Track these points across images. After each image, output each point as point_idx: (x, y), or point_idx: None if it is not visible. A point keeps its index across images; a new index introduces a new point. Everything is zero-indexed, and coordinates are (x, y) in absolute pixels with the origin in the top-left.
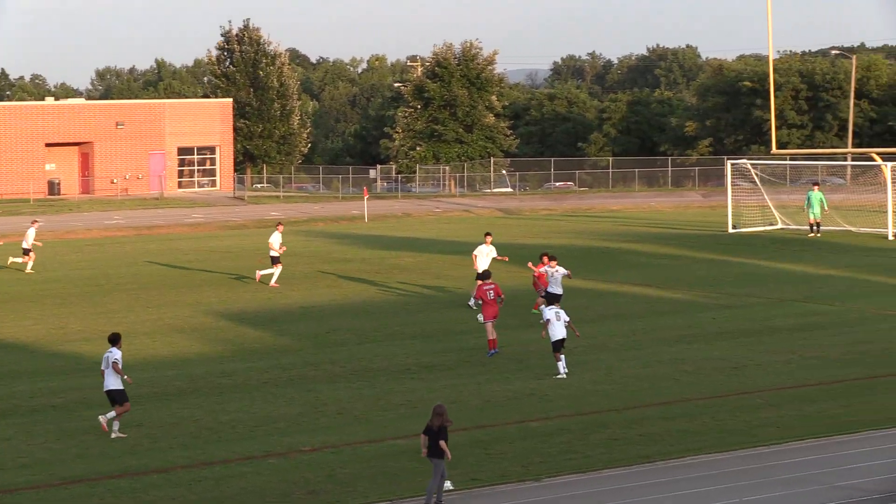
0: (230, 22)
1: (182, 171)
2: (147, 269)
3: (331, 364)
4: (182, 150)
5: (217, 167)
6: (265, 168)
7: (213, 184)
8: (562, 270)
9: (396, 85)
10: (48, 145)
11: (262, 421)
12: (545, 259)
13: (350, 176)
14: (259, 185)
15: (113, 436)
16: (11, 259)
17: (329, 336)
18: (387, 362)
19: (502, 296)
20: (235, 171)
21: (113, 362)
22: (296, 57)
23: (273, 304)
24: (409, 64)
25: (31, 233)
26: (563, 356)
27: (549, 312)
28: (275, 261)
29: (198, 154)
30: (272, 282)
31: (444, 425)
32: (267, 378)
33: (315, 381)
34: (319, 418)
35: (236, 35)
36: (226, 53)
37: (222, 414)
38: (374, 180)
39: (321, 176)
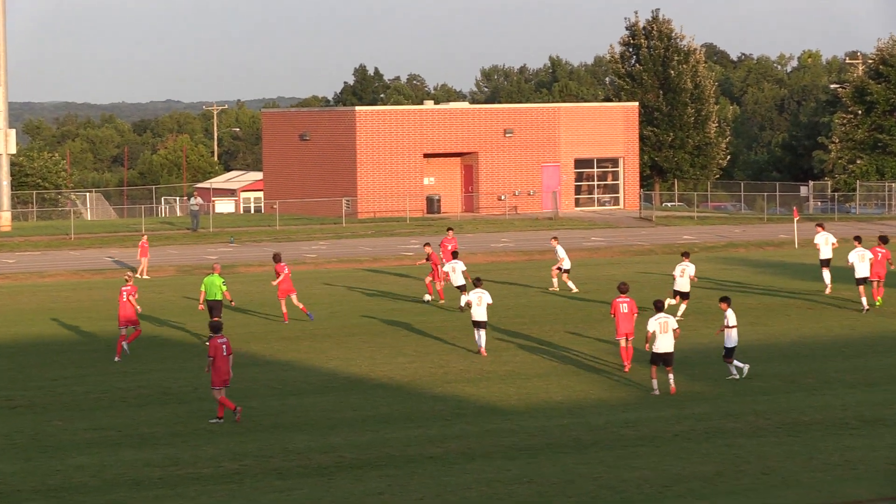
0: (636, 13)
1: (580, 186)
2: (537, 300)
3: (754, 415)
4: (580, 163)
5: (620, 182)
6: (676, 184)
7: (616, 201)
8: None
9: (833, 86)
10: (427, 156)
11: (673, 480)
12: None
13: (777, 194)
14: (669, 204)
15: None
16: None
17: (751, 382)
18: (821, 414)
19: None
20: (642, 187)
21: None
22: (713, 53)
23: (683, 343)
24: (847, 62)
25: (561, 250)
26: (671, 374)
27: (654, 323)
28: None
29: (598, 167)
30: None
31: None
32: (678, 430)
33: (735, 434)
34: (741, 478)
35: (643, 28)
36: (631, 50)
37: (626, 471)
38: (806, 199)
39: (742, 193)
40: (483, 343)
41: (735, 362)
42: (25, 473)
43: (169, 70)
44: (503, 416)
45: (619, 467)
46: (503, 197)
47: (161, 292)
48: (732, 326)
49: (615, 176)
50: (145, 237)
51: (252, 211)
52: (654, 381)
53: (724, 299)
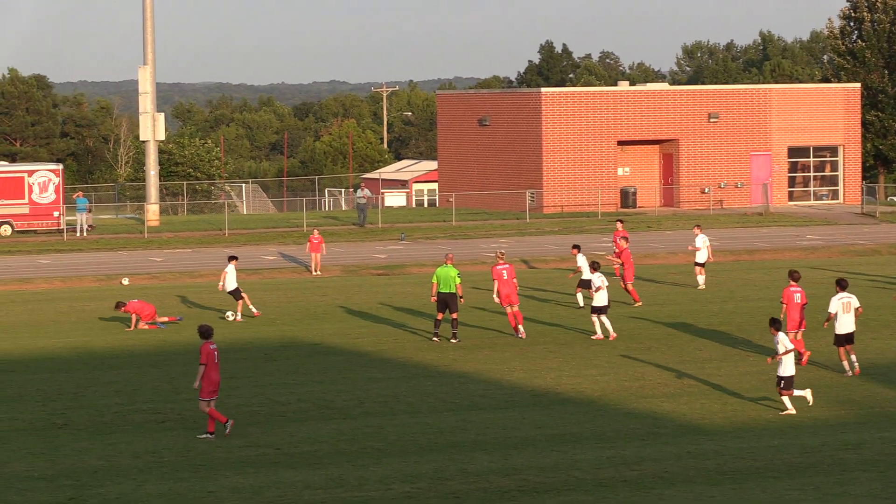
0: None
1: (793, 178)
2: (746, 306)
3: None
4: (793, 151)
5: (839, 173)
6: None
7: (834, 195)
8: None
9: None
10: (621, 143)
11: None
12: None
13: None
14: (895, 198)
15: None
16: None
17: None
18: None
19: None
20: (864, 178)
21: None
22: None
23: None
24: None
25: (700, 240)
26: (853, 354)
27: (836, 303)
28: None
29: (814, 156)
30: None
31: None
32: None
33: None
34: None
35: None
36: (852, 24)
37: (845, 498)
38: None
39: None
40: (610, 327)
41: (795, 392)
42: (175, 495)
43: (333, 47)
44: (706, 436)
45: (837, 494)
46: (707, 190)
47: (325, 294)
48: (785, 353)
49: (834, 166)
50: (316, 231)
51: (425, 204)
52: (845, 363)
53: (774, 322)
